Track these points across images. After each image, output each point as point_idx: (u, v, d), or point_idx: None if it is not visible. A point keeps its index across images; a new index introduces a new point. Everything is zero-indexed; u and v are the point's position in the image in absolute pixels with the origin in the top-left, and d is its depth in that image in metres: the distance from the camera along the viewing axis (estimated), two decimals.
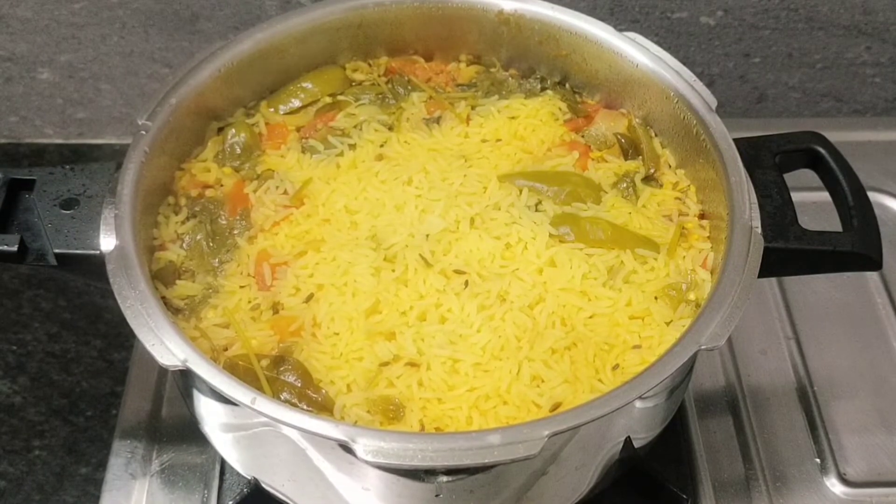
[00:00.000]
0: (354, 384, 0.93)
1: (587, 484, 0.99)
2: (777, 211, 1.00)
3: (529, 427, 0.81)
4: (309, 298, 0.99)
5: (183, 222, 1.05)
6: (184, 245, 1.04)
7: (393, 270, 1.00)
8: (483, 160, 1.11)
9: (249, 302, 1.00)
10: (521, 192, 1.07)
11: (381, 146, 1.12)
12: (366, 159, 1.11)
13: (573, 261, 1.01)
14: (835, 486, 1.15)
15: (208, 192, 1.08)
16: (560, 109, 1.17)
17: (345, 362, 0.95)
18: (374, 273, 1.00)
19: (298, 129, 1.15)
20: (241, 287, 1.01)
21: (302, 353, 0.95)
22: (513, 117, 1.16)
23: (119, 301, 0.89)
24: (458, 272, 1.00)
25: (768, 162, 1.05)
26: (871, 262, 1.00)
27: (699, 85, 1.07)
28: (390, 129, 1.15)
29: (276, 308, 0.99)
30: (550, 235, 1.03)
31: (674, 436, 1.15)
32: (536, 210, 1.06)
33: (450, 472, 0.86)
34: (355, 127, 1.14)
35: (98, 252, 0.93)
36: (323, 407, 0.92)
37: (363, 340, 0.95)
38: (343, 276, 1.00)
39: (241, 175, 1.10)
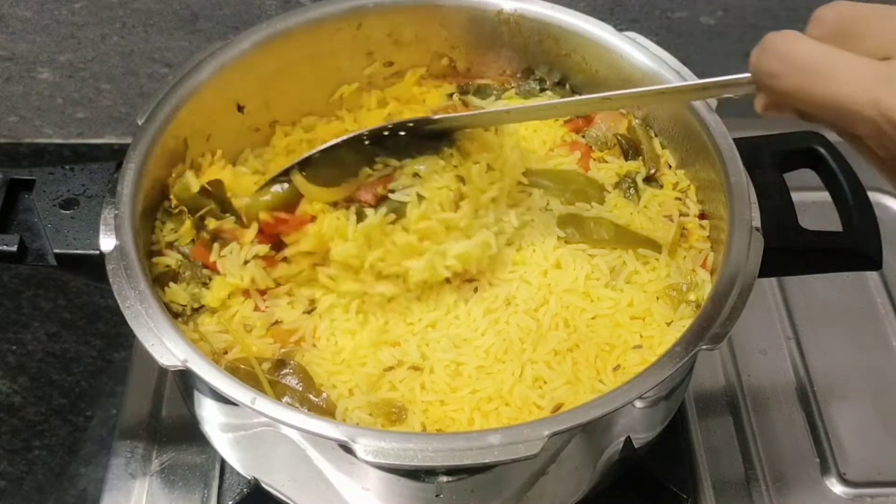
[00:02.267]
0: (357, 388, 0.93)
1: (587, 484, 0.99)
2: (777, 211, 1.00)
3: (530, 427, 0.81)
4: (310, 311, 0.98)
5: (176, 229, 1.04)
6: (179, 251, 1.03)
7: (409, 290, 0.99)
8: None
9: (244, 318, 0.99)
10: (530, 193, 1.07)
11: None
12: None
13: (577, 262, 1.01)
14: (835, 485, 1.15)
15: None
16: None
17: (347, 367, 0.95)
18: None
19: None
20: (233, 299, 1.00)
21: (304, 357, 0.95)
22: None
23: (119, 301, 0.89)
24: (468, 281, 1.00)
25: (768, 162, 1.05)
26: (871, 261, 1.00)
27: None
28: None
29: (275, 322, 0.99)
30: (557, 237, 1.03)
31: (674, 436, 1.15)
32: (547, 209, 1.06)
33: (450, 472, 0.86)
34: None
35: (98, 252, 0.93)
36: (325, 411, 0.92)
37: (367, 348, 0.95)
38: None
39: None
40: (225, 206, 1.01)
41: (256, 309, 0.99)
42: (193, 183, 1.02)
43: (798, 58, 0.67)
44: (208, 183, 1.02)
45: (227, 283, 0.98)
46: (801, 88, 0.67)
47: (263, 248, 0.98)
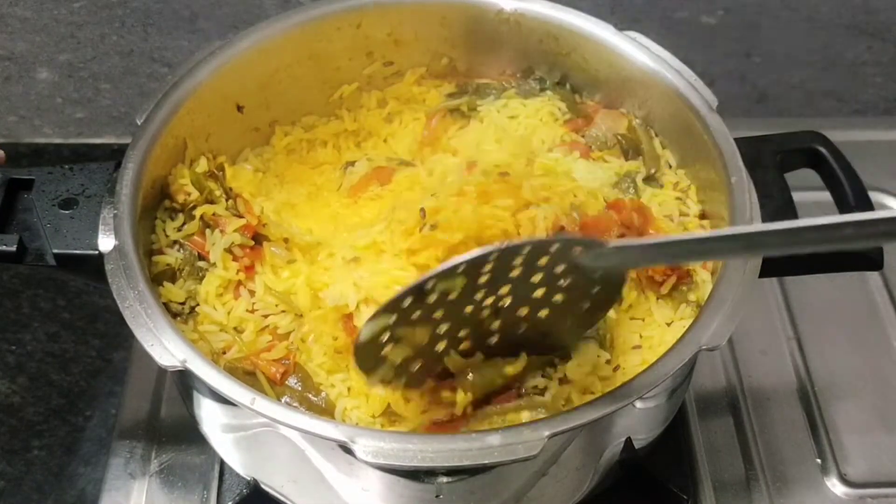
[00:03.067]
0: (355, 388, 0.93)
1: (587, 484, 0.99)
2: (778, 211, 1.00)
3: (529, 428, 0.80)
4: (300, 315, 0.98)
5: (179, 228, 1.04)
6: (179, 249, 1.03)
7: None
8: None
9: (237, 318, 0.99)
10: None
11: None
12: None
13: None
14: (835, 486, 1.14)
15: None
16: (560, 109, 1.17)
17: (345, 365, 0.94)
18: None
19: None
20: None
21: (302, 356, 0.95)
22: (512, 117, 1.16)
23: (118, 301, 0.89)
24: None
25: (769, 161, 1.04)
26: (872, 261, 0.99)
27: (700, 84, 1.07)
28: None
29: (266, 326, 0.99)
30: None
31: (674, 436, 1.15)
32: None
33: (450, 472, 0.86)
34: None
35: (97, 252, 0.93)
36: (324, 410, 0.92)
37: None
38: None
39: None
40: (227, 192, 1.03)
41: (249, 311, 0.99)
42: (202, 164, 1.05)
43: None
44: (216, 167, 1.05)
45: (216, 276, 0.98)
46: None
47: (245, 239, 0.99)
